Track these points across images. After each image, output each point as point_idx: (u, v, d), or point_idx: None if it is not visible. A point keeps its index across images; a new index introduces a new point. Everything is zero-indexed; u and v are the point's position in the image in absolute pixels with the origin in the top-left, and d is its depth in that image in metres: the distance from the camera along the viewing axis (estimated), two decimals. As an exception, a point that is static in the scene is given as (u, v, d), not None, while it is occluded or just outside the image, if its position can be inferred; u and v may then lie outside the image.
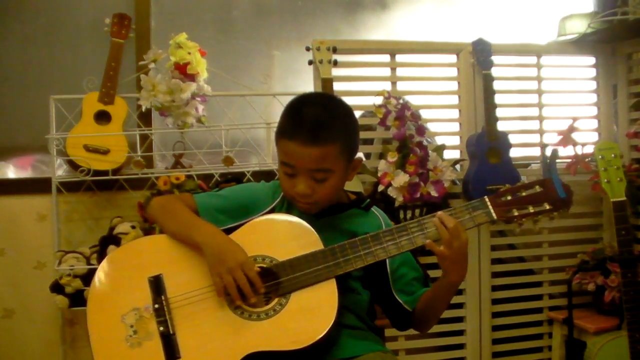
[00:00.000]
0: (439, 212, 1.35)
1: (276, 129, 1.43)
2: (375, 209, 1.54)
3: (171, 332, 1.33)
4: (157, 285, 1.38)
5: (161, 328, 1.34)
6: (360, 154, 1.49)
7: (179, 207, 1.48)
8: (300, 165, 1.36)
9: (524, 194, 1.38)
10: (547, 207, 1.37)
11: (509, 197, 1.38)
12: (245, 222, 1.46)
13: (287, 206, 1.49)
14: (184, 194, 1.60)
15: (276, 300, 1.35)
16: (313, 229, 1.40)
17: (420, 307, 1.46)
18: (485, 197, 1.38)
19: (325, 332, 1.29)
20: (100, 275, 1.42)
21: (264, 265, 1.38)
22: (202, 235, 1.39)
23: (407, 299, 1.47)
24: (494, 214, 1.36)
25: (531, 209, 1.38)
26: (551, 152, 1.44)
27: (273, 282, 1.35)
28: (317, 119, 1.37)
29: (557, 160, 2.55)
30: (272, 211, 1.49)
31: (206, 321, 1.34)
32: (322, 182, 1.38)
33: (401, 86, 2.58)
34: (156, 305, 1.36)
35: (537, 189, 1.38)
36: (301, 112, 1.40)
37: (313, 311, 1.32)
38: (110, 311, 1.36)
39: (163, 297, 1.37)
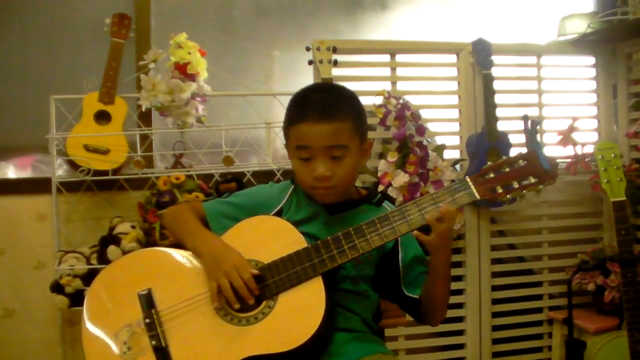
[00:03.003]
0: (442, 206, 1.33)
1: (284, 122, 1.44)
2: (387, 204, 1.53)
3: (163, 345, 1.34)
4: (147, 299, 1.38)
5: (153, 342, 1.34)
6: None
7: (185, 216, 1.49)
8: (317, 144, 1.36)
9: (507, 169, 1.35)
10: (532, 180, 1.34)
11: (492, 175, 1.35)
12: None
13: (296, 205, 1.49)
14: (195, 201, 1.62)
15: (264, 303, 1.34)
16: (295, 228, 1.40)
17: (424, 293, 1.46)
18: (467, 177, 1.36)
19: (315, 330, 1.28)
20: (91, 297, 1.43)
21: None
22: (199, 242, 1.41)
23: (413, 290, 1.47)
24: (476, 194, 1.34)
25: (516, 184, 1.35)
26: (531, 123, 1.41)
27: (260, 285, 1.35)
28: (326, 99, 1.39)
29: (559, 161, 2.59)
30: (279, 212, 1.49)
31: (197, 331, 1.35)
32: (339, 160, 1.38)
33: (401, 86, 2.57)
34: (147, 320, 1.36)
35: (521, 163, 1.35)
36: (308, 97, 1.43)
37: (301, 311, 1.32)
38: (104, 330, 1.37)
39: (153, 311, 1.37)
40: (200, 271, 1.40)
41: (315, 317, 1.30)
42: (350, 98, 1.45)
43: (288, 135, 1.43)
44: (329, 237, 1.36)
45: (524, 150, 2.63)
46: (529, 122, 1.41)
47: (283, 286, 1.34)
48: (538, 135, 1.41)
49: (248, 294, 1.32)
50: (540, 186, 1.35)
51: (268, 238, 1.41)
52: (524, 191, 1.35)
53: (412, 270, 1.48)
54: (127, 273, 1.44)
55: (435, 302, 1.46)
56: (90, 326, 1.39)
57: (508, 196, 1.35)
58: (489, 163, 1.38)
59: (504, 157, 1.38)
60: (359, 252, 1.35)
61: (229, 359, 1.29)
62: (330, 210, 1.46)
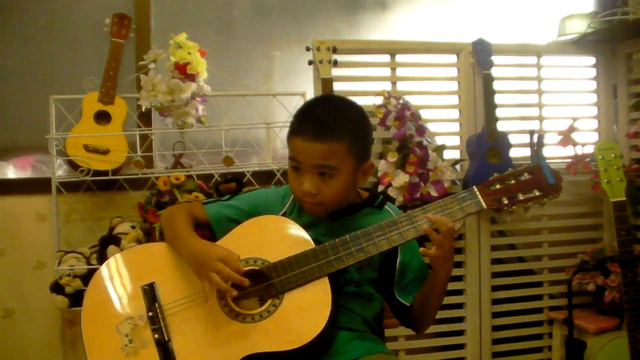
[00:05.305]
0: (430, 215, 1.35)
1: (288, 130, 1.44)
2: (389, 206, 1.54)
3: (166, 338, 1.34)
4: (150, 293, 1.39)
5: (156, 335, 1.34)
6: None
7: (178, 219, 1.48)
8: (305, 161, 1.37)
9: (513, 181, 1.38)
10: (537, 193, 1.38)
11: (498, 186, 1.38)
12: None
13: (298, 210, 1.50)
14: (195, 203, 1.60)
15: (269, 301, 1.35)
16: (302, 229, 1.41)
17: (416, 303, 1.47)
18: (474, 187, 1.38)
19: (320, 330, 1.29)
20: (93, 287, 1.43)
21: (256, 268, 1.38)
22: (182, 246, 1.41)
23: (405, 296, 1.48)
24: (483, 203, 1.37)
25: (521, 196, 1.38)
26: (537, 138, 1.44)
27: (265, 284, 1.35)
28: (324, 117, 1.39)
29: (558, 161, 2.59)
30: (282, 216, 1.49)
31: (201, 326, 1.35)
32: (327, 180, 1.37)
33: (401, 86, 2.58)
34: (150, 313, 1.37)
35: (526, 176, 1.38)
36: (310, 111, 1.43)
37: (307, 310, 1.33)
38: (105, 322, 1.37)
39: (157, 305, 1.38)
40: None
41: (320, 317, 1.30)
42: (355, 118, 1.43)
43: (288, 143, 1.43)
44: (336, 240, 1.37)
45: (523, 150, 2.66)
46: (535, 136, 1.43)
47: (289, 285, 1.35)
48: (543, 149, 1.43)
49: (240, 278, 1.31)
50: (544, 199, 1.38)
51: (275, 238, 1.41)
52: (529, 203, 1.38)
53: (407, 275, 1.48)
54: (131, 267, 1.45)
55: (425, 314, 1.48)
56: (91, 318, 1.39)
57: (513, 207, 1.38)
58: (495, 175, 1.39)
59: (510, 169, 1.40)
60: (366, 255, 1.36)
61: (232, 356, 1.30)
62: (333, 215, 1.46)
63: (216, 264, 1.32)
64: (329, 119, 1.38)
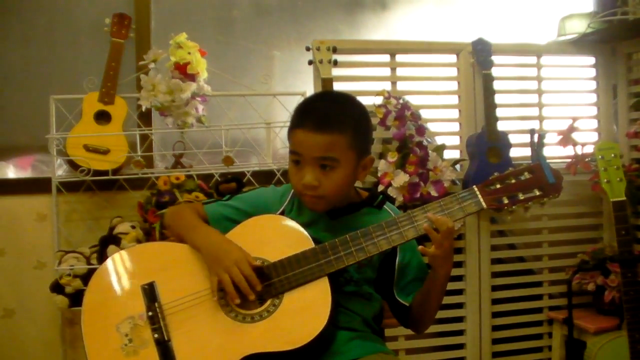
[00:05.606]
0: (429, 214, 1.35)
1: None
2: (388, 206, 1.53)
3: (166, 338, 1.34)
4: (150, 292, 1.38)
5: (156, 335, 1.34)
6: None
7: (186, 213, 1.50)
8: (307, 153, 1.37)
9: (513, 181, 1.37)
10: (537, 193, 1.36)
11: (498, 185, 1.37)
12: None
13: (297, 208, 1.50)
14: (195, 203, 1.62)
15: (269, 301, 1.35)
16: (302, 228, 1.41)
17: (416, 303, 1.47)
18: (474, 186, 1.38)
19: (320, 330, 1.29)
20: (93, 286, 1.43)
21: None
22: (200, 237, 1.42)
23: (405, 296, 1.48)
24: (483, 203, 1.36)
25: (521, 196, 1.37)
26: (538, 137, 1.43)
27: (265, 284, 1.35)
28: (326, 110, 1.40)
29: (558, 161, 2.59)
30: (281, 214, 1.49)
31: (201, 326, 1.35)
32: (328, 173, 1.38)
33: (401, 86, 2.58)
34: (150, 313, 1.36)
35: (527, 175, 1.37)
36: (311, 105, 1.45)
37: (307, 310, 1.32)
38: (105, 321, 1.37)
39: (157, 304, 1.37)
40: (205, 266, 1.40)
41: (320, 317, 1.30)
42: (358, 114, 1.44)
43: (288, 137, 1.44)
44: (336, 239, 1.36)
45: (523, 149, 2.66)
46: (535, 136, 1.42)
47: (289, 285, 1.35)
48: (544, 149, 1.43)
49: (249, 289, 1.32)
50: (545, 199, 1.37)
51: (275, 237, 1.41)
52: (529, 203, 1.37)
53: (407, 275, 1.48)
54: (131, 266, 1.44)
55: (425, 314, 1.47)
56: (90, 318, 1.38)
57: (514, 207, 1.37)
58: (495, 174, 1.39)
59: (510, 169, 1.39)
60: (365, 254, 1.36)
61: (232, 356, 1.29)
62: (332, 214, 1.46)
63: (232, 266, 1.33)
64: (330, 112, 1.39)
